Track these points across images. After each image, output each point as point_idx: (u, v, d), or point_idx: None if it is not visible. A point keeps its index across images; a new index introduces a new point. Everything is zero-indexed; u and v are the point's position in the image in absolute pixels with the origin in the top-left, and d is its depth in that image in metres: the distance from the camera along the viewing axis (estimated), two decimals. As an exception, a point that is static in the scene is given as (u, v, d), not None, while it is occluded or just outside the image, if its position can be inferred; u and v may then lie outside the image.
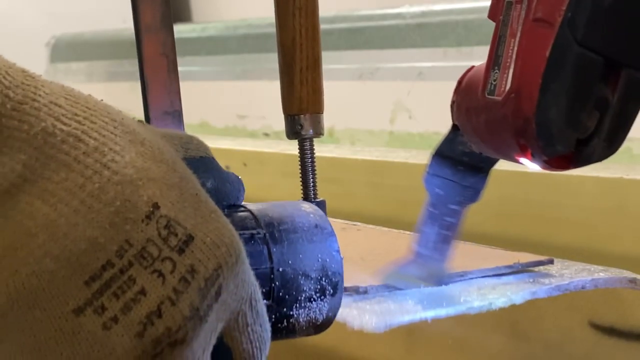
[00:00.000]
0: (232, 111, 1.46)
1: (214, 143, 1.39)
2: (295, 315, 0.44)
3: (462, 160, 0.57)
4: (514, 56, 0.48)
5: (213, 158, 0.43)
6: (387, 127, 1.17)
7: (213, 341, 0.37)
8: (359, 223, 0.84)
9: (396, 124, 1.16)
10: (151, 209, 0.35)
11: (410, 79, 1.14)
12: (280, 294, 0.43)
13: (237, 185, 0.44)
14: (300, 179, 0.67)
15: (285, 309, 0.43)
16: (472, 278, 0.63)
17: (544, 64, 0.47)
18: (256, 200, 0.69)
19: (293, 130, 0.64)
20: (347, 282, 0.60)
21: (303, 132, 0.65)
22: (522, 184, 0.88)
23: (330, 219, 0.68)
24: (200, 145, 0.43)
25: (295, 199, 0.67)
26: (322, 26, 0.64)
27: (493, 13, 0.51)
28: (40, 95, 0.36)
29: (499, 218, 0.88)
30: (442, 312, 0.56)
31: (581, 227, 0.82)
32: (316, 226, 0.45)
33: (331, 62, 1.28)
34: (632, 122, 0.49)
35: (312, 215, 0.46)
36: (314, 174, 0.67)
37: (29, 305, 0.33)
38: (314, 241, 0.45)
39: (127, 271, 0.34)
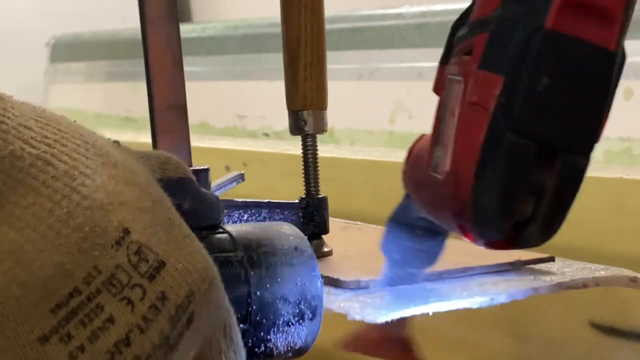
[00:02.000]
0: (232, 111, 1.46)
1: (214, 143, 1.40)
2: (273, 340, 0.43)
3: (418, 225, 0.56)
4: (453, 136, 0.48)
5: (192, 179, 0.43)
6: (387, 127, 1.17)
7: None
8: (359, 222, 0.84)
9: (396, 124, 1.16)
10: (121, 235, 0.34)
11: (410, 79, 1.14)
12: (258, 318, 0.42)
13: (216, 205, 0.44)
14: (303, 176, 0.67)
15: (262, 334, 0.43)
16: (473, 274, 0.63)
17: (478, 149, 0.46)
18: (258, 198, 0.69)
19: (296, 125, 0.65)
20: (349, 277, 0.60)
21: (307, 128, 0.65)
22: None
23: (331, 219, 0.69)
24: (179, 165, 0.42)
25: (294, 198, 0.67)
26: (328, 26, 0.65)
27: (437, 87, 0.51)
28: (8, 118, 0.34)
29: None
30: (443, 306, 0.56)
31: (581, 227, 0.82)
32: (296, 249, 0.44)
33: (331, 62, 1.28)
34: (570, 206, 0.48)
35: (292, 238, 0.45)
36: (316, 170, 0.67)
37: None
38: (293, 264, 0.44)
39: (94, 298, 0.33)
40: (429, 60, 1.12)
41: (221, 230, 0.43)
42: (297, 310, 0.43)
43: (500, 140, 0.45)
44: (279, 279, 0.43)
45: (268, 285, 0.43)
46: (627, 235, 0.79)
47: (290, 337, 0.44)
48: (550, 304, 0.76)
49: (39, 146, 0.34)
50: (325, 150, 1.09)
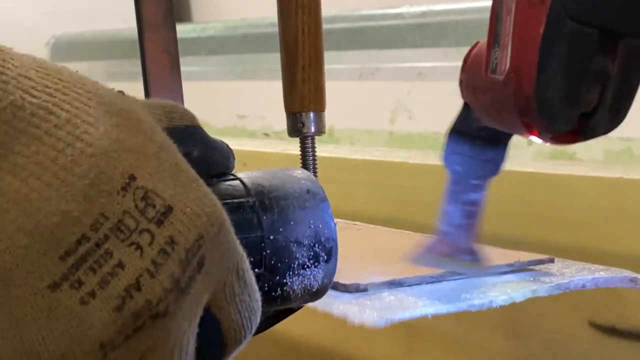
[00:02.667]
0: (232, 111, 1.46)
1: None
2: (289, 283, 0.43)
3: (479, 135, 0.56)
4: (510, 34, 0.48)
5: (199, 126, 0.42)
6: (387, 127, 1.17)
7: (199, 313, 0.36)
8: (359, 223, 0.84)
9: (396, 124, 1.16)
10: (127, 181, 0.34)
11: (410, 79, 1.14)
12: (272, 262, 0.42)
13: (226, 153, 0.43)
14: (302, 177, 0.67)
15: (278, 277, 0.42)
16: (472, 276, 0.63)
17: (539, 42, 0.46)
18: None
19: (294, 127, 0.65)
20: (348, 280, 0.60)
21: (305, 130, 0.65)
22: (522, 184, 0.88)
23: (331, 219, 0.68)
24: (186, 114, 0.42)
25: (295, 198, 0.67)
26: (325, 26, 0.64)
27: None
28: (8, 68, 0.35)
29: (499, 218, 0.88)
30: (442, 308, 0.56)
31: (581, 227, 0.82)
32: (308, 192, 0.44)
33: (331, 62, 1.28)
34: (636, 90, 0.48)
35: (303, 182, 0.44)
36: (315, 172, 0.67)
37: (3, 282, 0.33)
38: (305, 207, 0.44)
39: (103, 245, 0.33)
40: (429, 60, 1.12)
41: (232, 177, 0.43)
42: (312, 253, 0.43)
43: (561, 30, 0.45)
44: (291, 222, 0.43)
45: (281, 229, 0.42)
46: (627, 235, 0.79)
47: (306, 279, 0.44)
48: (550, 304, 0.76)
49: (40, 95, 0.34)
50: (325, 150, 1.09)
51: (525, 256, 0.66)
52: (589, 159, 0.92)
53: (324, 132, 0.65)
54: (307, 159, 0.66)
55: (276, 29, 0.65)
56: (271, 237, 0.42)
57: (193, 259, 0.35)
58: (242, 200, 0.42)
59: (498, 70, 0.49)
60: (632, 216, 0.78)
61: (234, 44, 1.48)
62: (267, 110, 1.38)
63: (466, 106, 0.56)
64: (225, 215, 0.36)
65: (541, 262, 0.66)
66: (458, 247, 0.59)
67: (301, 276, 0.43)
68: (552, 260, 0.66)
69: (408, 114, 1.14)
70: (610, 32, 0.46)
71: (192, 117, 0.42)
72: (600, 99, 0.47)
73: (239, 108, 1.45)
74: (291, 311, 0.66)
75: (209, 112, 1.51)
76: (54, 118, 0.34)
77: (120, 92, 0.38)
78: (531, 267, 0.65)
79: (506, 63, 0.48)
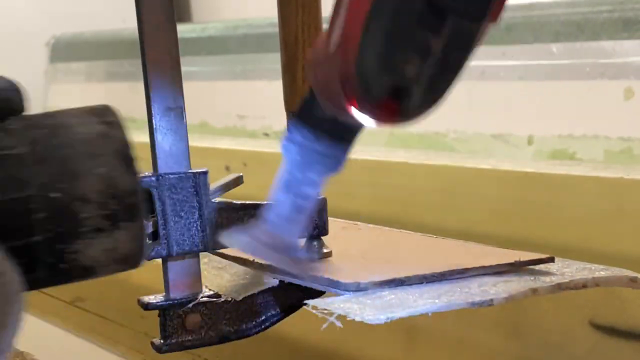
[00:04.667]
0: (232, 111, 1.46)
1: (214, 143, 1.39)
2: (81, 250, 0.36)
3: (323, 128, 0.54)
4: (346, 5, 0.48)
5: None
6: (387, 127, 1.17)
7: None
8: (359, 222, 0.84)
9: (396, 124, 1.16)
10: None
11: (410, 79, 1.14)
12: (50, 226, 0.35)
13: (11, 97, 0.37)
14: (302, 177, 0.67)
15: (62, 245, 0.36)
16: (472, 275, 0.63)
17: (367, 7, 0.46)
18: (257, 200, 0.69)
19: (295, 128, 0.64)
20: (348, 279, 0.60)
21: (305, 129, 0.64)
22: (522, 184, 0.88)
23: (331, 219, 0.69)
24: None
25: (295, 198, 0.67)
26: (326, 26, 0.64)
27: None
28: None
29: (498, 218, 0.88)
30: (443, 307, 0.56)
31: (581, 227, 0.82)
32: (103, 136, 0.37)
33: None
34: (456, 74, 0.48)
35: (99, 124, 0.37)
36: (315, 172, 0.67)
37: None
38: (96, 156, 0.37)
39: None
40: (429, 60, 1.12)
41: (9, 121, 0.36)
42: (107, 212, 0.37)
43: (386, 5, 0.46)
44: (74, 176, 0.36)
45: (61, 185, 0.35)
46: (627, 235, 0.79)
47: (105, 244, 0.37)
48: (550, 304, 0.76)
49: None
50: (325, 150, 1.09)
51: (525, 255, 0.66)
52: (589, 159, 0.92)
53: (325, 132, 0.65)
54: (308, 158, 0.66)
55: (276, 29, 0.65)
56: (46, 196, 0.35)
57: None
58: (6, 152, 0.35)
59: (331, 43, 0.48)
60: (632, 216, 0.78)
61: (234, 44, 1.48)
62: (267, 110, 1.38)
63: (310, 92, 0.54)
64: None
65: (541, 261, 0.66)
66: (281, 241, 0.55)
67: (97, 241, 0.37)
68: (552, 260, 0.66)
69: (408, 114, 1.14)
70: (436, 7, 0.46)
71: None
72: (417, 74, 0.47)
73: (239, 108, 1.45)
74: (294, 309, 0.66)
75: (209, 112, 1.51)
76: None
77: None
78: (531, 266, 0.65)
79: (338, 33, 0.48)
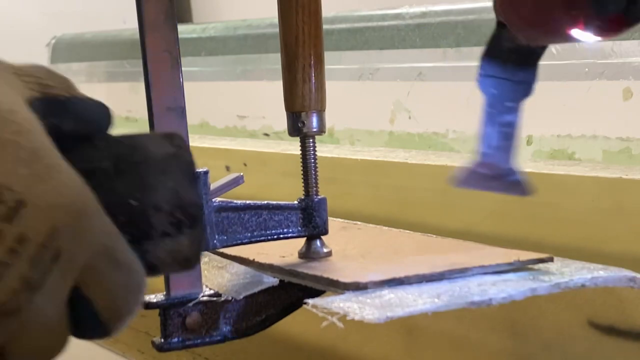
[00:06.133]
0: (232, 111, 1.46)
1: (214, 143, 1.39)
2: (151, 251, 0.42)
3: (510, 57, 0.58)
4: None
5: (74, 96, 0.41)
6: (387, 127, 1.17)
7: (62, 297, 0.36)
8: (359, 222, 0.84)
9: (396, 124, 1.16)
10: None
11: (410, 79, 1.14)
12: (127, 229, 0.41)
13: (99, 122, 0.42)
14: (302, 177, 0.67)
15: (136, 245, 0.41)
16: (472, 275, 0.63)
17: None
18: (257, 199, 0.70)
19: (295, 127, 0.65)
20: (348, 279, 0.60)
21: (305, 130, 0.65)
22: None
23: (331, 219, 0.69)
24: (62, 82, 0.41)
25: (295, 198, 0.67)
26: (326, 26, 0.65)
27: None
28: None
29: (498, 218, 0.88)
30: (442, 306, 0.57)
31: (580, 227, 0.82)
32: (172, 156, 0.43)
33: (331, 62, 1.28)
34: None
35: (170, 147, 0.44)
36: (315, 172, 0.67)
37: None
38: (167, 172, 0.43)
39: None
40: (429, 60, 1.12)
41: (97, 140, 0.42)
42: (174, 220, 0.42)
43: None
44: (149, 188, 0.42)
45: (138, 195, 0.41)
46: (626, 235, 0.79)
47: (170, 247, 0.43)
48: (549, 303, 0.76)
49: None
50: (325, 150, 1.09)
51: (525, 255, 0.66)
52: (587, 159, 0.93)
53: (325, 132, 0.66)
54: (308, 159, 0.66)
55: (276, 29, 0.65)
56: (125, 203, 0.41)
57: (46, 253, 0.34)
58: (95, 164, 0.41)
59: None
60: (631, 216, 0.78)
61: (234, 45, 1.48)
62: (267, 110, 1.39)
63: (499, 27, 0.58)
64: (88, 199, 0.36)
65: (540, 261, 0.66)
66: (499, 168, 0.61)
67: (164, 244, 0.42)
68: (551, 259, 0.66)
69: (408, 114, 1.14)
70: None
71: (68, 86, 0.41)
72: None
73: (239, 108, 1.45)
74: (294, 308, 0.66)
75: (209, 113, 1.51)
76: None
77: None
78: (530, 265, 0.66)
79: None
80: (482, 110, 0.61)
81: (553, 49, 0.98)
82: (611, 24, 0.50)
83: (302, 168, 0.66)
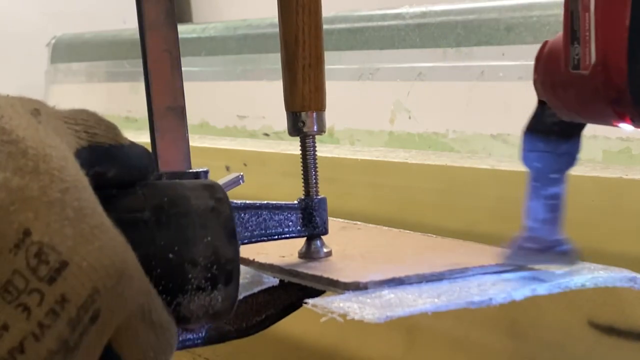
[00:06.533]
0: (232, 111, 1.46)
1: (214, 143, 1.39)
2: (184, 304, 0.41)
3: (553, 130, 0.59)
4: (592, 29, 0.49)
5: (120, 145, 0.41)
6: (387, 127, 1.17)
7: (95, 356, 0.36)
8: (359, 222, 0.84)
9: (396, 124, 1.16)
10: (21, 237, 0.33)
11: (410, 79, 1.14)
12: (163, 282, 0.40)
13: (144, 170, 0.42)
14: (302, 176, 0.67)
15: (169, 298, 0.41)
16: (472, 275, 0.63)
17: (626, 33, 0.47)
18: (256, 200, 0.70)
19: (295, 127, 0.65)
20: (348, 279, 0.60)
21: (305, 129, 0.65)
22: (521, 184, 0.88)
23: (331, 219, 0.69)
24: (109, 131, 0.41)
25: (295, 198, 0.67)
26: (326, 26, 0.65)
27: None
28: None
29: (498, 218, 0.88)
30: (442, 306, 0.57)
31: (580, 227, 0.82)
32: (212, 210, 0.43)
33: (331, 62, 1.28)
34: None
35: (211, 200, 0.43)
36: (315, 171, 0.67)
37: None
38: (206, 227, 0.42)
39: None
40: (429, 60, 1.12)
41: (138, 188, 0.41)
42: (209, 275, 0.42)
43: None
44: (188, 242, 0.41)
45: (176, 248, 0.41)
46: (626, 235, 0.79)
47: (203, 301, 0.42)
48: (549, 303, 0.76)
49: None
50: (325, 150, 1.09)
51: (525, 255, 0.66)
52: (587, 159, 0.93)
53: (325, 132, 0.66)
54: (308, 158, 0.66)
55: (276, 29, 0.65)
56: (163, 256, 0.40)
57: (85, 315, 0.34)
58: (137, 215, 0.40)
59: (582, 66, 0.50)
60: (631, 216, 0.78)
61: (234, 45, 1.48)
62: (267, 110, 1.38)
63: (540, 104, 0.59)
64: (129, 260, 0.35)
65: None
66: (546, 241, 0.62)
67: (197, 298, 0.42)
68: (551, 260, 0.66)
69: (408, 114, 1.14)
70: None
71: (115, 134, 0.41)
72: None
73: (239, 108, 1.45)
74: (294, 308, 0.66)
75: (209, 113, 1.51)
76: None
77: (37, 110, 0.36)
78: (530, 265, 0.66)
79: (591, 58, 0.49)
80: (527, 185, 0.61)
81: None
82: None
83: (302, 168, 0.67)
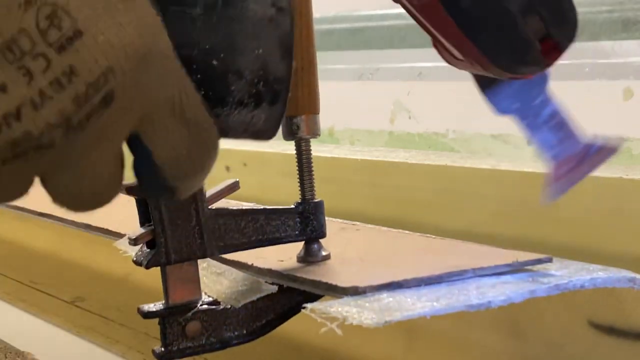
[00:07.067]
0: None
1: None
2: (223, 117, 0.38)
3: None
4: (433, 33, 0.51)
5: None
6: (387, 127, 1.17)
7: (113, 144, 0.33)
8: (358, 223, 0.84)
9: (396, 124, 1.16)
10: None
11: (410, 79, 1.14)
12: (202, 89, 0.37)
13: None
14: (298, 180, 0.67)
15: (208, 107, 0.37)
16: (471, 277, 0.63)
17: (459, 31, 0.49)
18: (256, 200, 0.70)
19: (289, 131, 0.65)
20: (346, 283, 0.60)
21: (300, 133, 0.65)
22: (521, 184, 0.88)
23: (330, 219, 0.69)
24: None
25: (295, 198, 0.67)
26: (323, 26, 0.64)
27: None
28: None
29: (498, 218, 0.88)
30: (441, 309, 0.56)
31: (580, 227, 0.82)
32: (271, 20, 0.38)
33: (331, 62, 1.28)
34: None
35: (271, 7, 0.38)
36: (310, 175, 0.67)
37: None
38: (260, 37, 0.38)
39: None
40: (429, 60, 1.12)
41: None
42: (254, 91, 0.38)
43: (465, 11, 0.47)
44: (236, 50, 0.37)
45: (222, 55, 0.37)
46: (626, 235, 0.79)
47: (243, 117, 0.39)
48: (549, 303, 0.76)
49: None
50: (325, 150, 1.09)
51: (523, 256, 0.66)
52: (588, 158, 0.92)
53: (319, 135, 0.65)
54: (303, 162, 0.66)
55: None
56: (207, 61, 0.36)
57: (95, 94, 0.31)
58: (185, 8, 0.36)
59: (457, 56, 0.50)
60: (631, 216, 0.78)
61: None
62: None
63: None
64: (158, 44, 0.32)
65: (539, 261, 0.66)
66: (576, 154, 0.59)
67: (238, 113, 0.38)
68: (550, 260, 0.66)
69: (408, 114, 1.14)
70: None
71: None
72: (545, 24, 0.47)
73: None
74: (293, 312, 0.66)
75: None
76: None
77: None
78: (529, 267, 0.66)
79: (455, 53, 0.49)
80: (520, 128, 0.59)
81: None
82: (549, 57, 0.50)
83: (297, 171, 0.66)
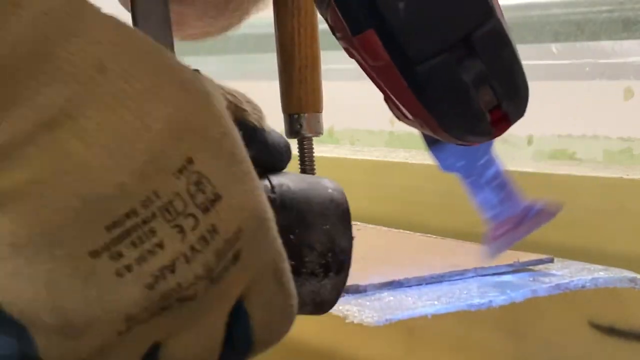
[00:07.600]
0: (232, 111, 1.46)
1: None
2: (296, 287, 0.41)
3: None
4: (387, 92, 0.49)
5: (262, 129, 0.43)
6: (387, 127, 1.17)
7: (230, 303, 0.36)
8: (358, 222, 0.84)
9: (396, 124, 1.16)
10: (184, 163, 0.35)
11: (410, 79, 1.14)
12: None
13: (279, 157, 0.44)
14: (300, 179, 0.67)
15: None
16: (472, 276, 0.63)
17: (414, 97, 0.47)
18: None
19: (292, 129, 0.65)
20: (348, 282, 0.60)
21: (303, 132, 0.65)
22: (521, 184, 0.88)
23: (330, 219, 0.68)
24: (255, 111, 0.43)
25: (295, 198, 0.67)
26: (322, 26, 0.64)
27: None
28: (94, 29, 0.34)
29: (498, 218, 0.88)
30: (441, 308, 0.56)
31: (581, 227, 0.82)
32: (331, 201, 0.44)
33: (331, 62, 1.27)
34: (514, 62, 0.47)
35: (330, 190, 0.45)
36: (313, 173, 0.67)
37: (49, 240, 0.33)
38: (325, 215, 0.43)
39: (149, 222, 0.34)
40: (429, 59, 1.12)
41: (266, 175, 0.43)
42: (323, 261, 0.43)
43: (420, 78, 0.45)
44: (308, 227, 0.43)
45: (296, 231, 0.42)
46: (627, 235, 0.79)
47: (313, 287, 0.43)
48: (549, 303, 0.76)
49: (122, 62, 0.34)
50: (325, 150, 1.09)
51: (524, 256, 0.66)
52: (588, 159, 0.92)
53: (322, 133, 0.65)
54: (305, 160, 0.66)
55: (275, 30, 0.65)
56: (284, 236, 0.40)
57: (229, 250, 0.35)
58: (267, 193, 0.41)
59: (408, 116, 0.50)
60: (632, 216, 0.78)
61: (234, 45, 1.48)
62: (267, 110, 1.38)
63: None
64: (269, 214, 0.37)
65: (540, 262, 0.66)
66: (516, 216, 0.61)
67: (308, 283, 0.43)
68: (551, 260, 0.66)
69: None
70: (455, 43, 0.45)
71: (260, 117, 0.43)
72: (496, 95, 0.47)
73: (239, 108, 1.45)
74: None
75: (210, 113, 1.51)
76: (129, 88, 0.34)
77: (197, 70, 0.37)
78: (530, 267, 0.66)
79: (406, 113, 0.49)
80: (464, 185, 0.60)
81: (553, 48, 0.98)
82: (498, 128, 0.49)
83: (300, 170, 0.66)
